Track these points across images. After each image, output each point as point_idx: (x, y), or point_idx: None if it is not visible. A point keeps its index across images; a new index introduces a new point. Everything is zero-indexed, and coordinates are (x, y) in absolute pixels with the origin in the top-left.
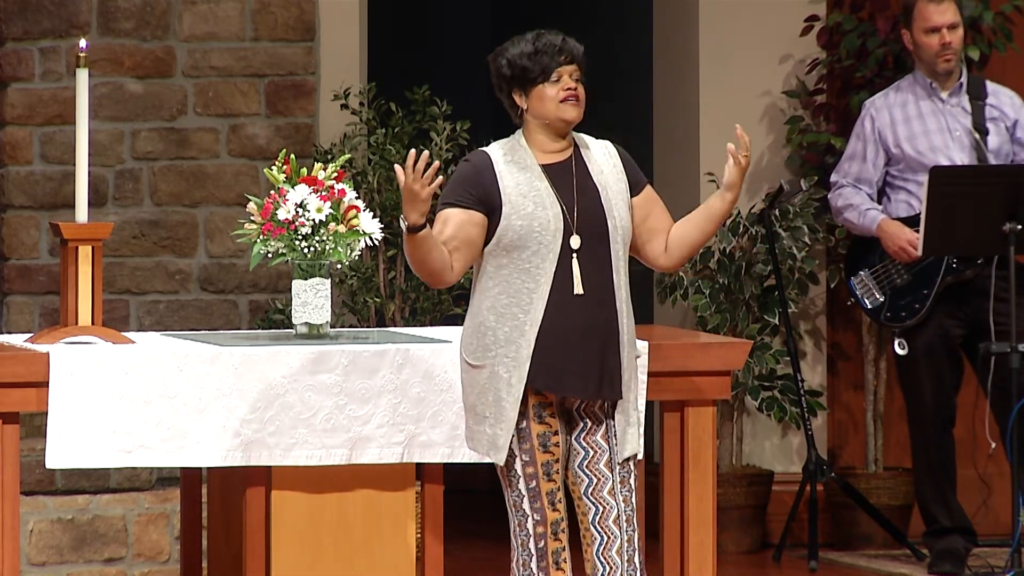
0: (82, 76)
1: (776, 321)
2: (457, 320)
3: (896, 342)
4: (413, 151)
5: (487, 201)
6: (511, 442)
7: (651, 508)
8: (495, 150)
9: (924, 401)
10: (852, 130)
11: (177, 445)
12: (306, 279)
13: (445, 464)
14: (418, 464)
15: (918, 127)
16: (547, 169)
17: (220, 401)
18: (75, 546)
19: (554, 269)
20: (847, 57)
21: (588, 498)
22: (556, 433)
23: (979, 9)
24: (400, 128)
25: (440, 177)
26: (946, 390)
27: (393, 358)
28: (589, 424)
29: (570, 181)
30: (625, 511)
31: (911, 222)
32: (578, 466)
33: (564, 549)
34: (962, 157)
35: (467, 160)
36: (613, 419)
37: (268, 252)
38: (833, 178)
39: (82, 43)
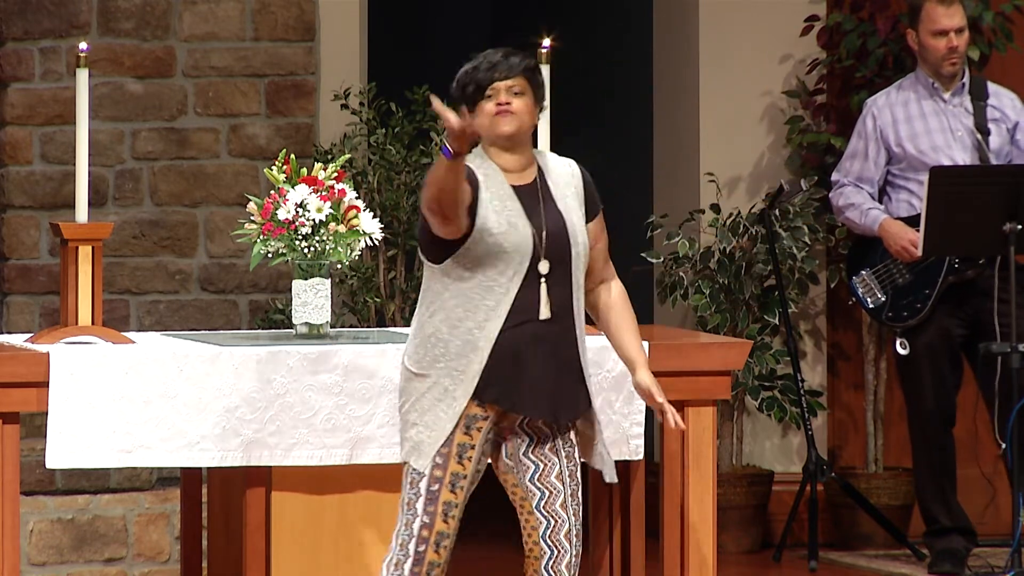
0: (82, 76)
1: (776, 321)
2: None
3: (898, 342)
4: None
5: (473, 191)
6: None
7: (651, 508)
8: (471, 163)
9: (925, 401)
10: (853, 129)
11: (177, 445)
12: (306, 279)
13: None
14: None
15: (920, 126)
16: (516, 190)
17: (220, 401)
18: (75, 546)
19: (517, 290)
20: (847, 57)
21: (540, 512)
22: (474, 447)
23: (979, 9)
24: (400, 128)
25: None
26: (947, 390)
27: (393, 358)
28: (535, 438)
29: (538, 205)
30: (576, 525)
31: (912, 221)
32: (529, 480)
33: (440, 565)
34: (964, 157)
35: None
36: (558, 433)
37: (268, 252)
38: (834, 177)
39: (82, 44)
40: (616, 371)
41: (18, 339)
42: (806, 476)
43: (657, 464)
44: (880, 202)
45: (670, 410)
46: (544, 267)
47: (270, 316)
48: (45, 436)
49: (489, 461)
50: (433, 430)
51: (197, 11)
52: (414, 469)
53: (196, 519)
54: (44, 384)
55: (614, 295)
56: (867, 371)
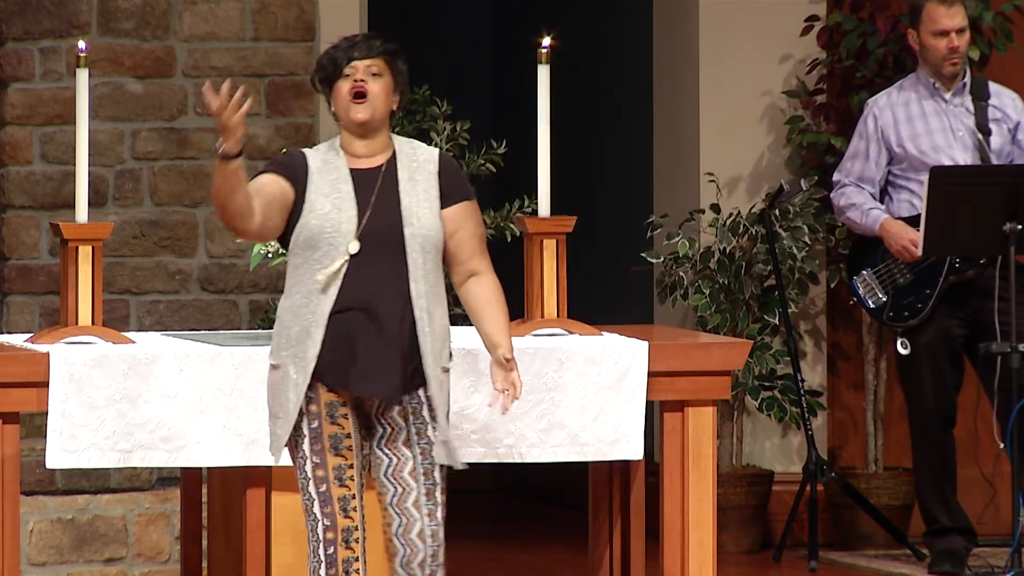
0: (82, 76)
1: (776, 321)
2: (456, 320)
3: (899, 342)
4: (224, 84)
5: (297, 185)
6: (303, 443)
7: (651, 508)
8: (312, 151)
9: (925, 401)
10: (854, 129)
11: (177, 445)
12: None
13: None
14: None
15: (921, 126)
16: (355, 174)
17: (220, 401)
18: (75, 546)
19: (343, 272)
20: (847, 57)
21: (393, 509)
22: (349, 436)
23: (979, 9)
24: (400, 128)
25: (249, 99)
26: (947, 390)
27: None
28: (389, 430)
29: (372, 187)
30: (429, 525)
31: (913, 221)
32: (383, 475)
33: (357, 559)
34: (965, 157)
35: (285, 152)
36: (413, 425)
37: (268, 252)
38: (835, 177)
39: (82, 44)
40: (615, 371)
41: (18, 339)
42: (806, 476)
43: (657, 464)
44: (881, 202)
45: (509, 396)
46: (354, 247)
47: (270, 316)
48: (45, 436)
49: (379, 449)
50: (288, 421)
51: (197, 11)
52: (299, 473)
53: (196, 519)
54: (44, 384)
55: (484, 288)
56: (867, 371)
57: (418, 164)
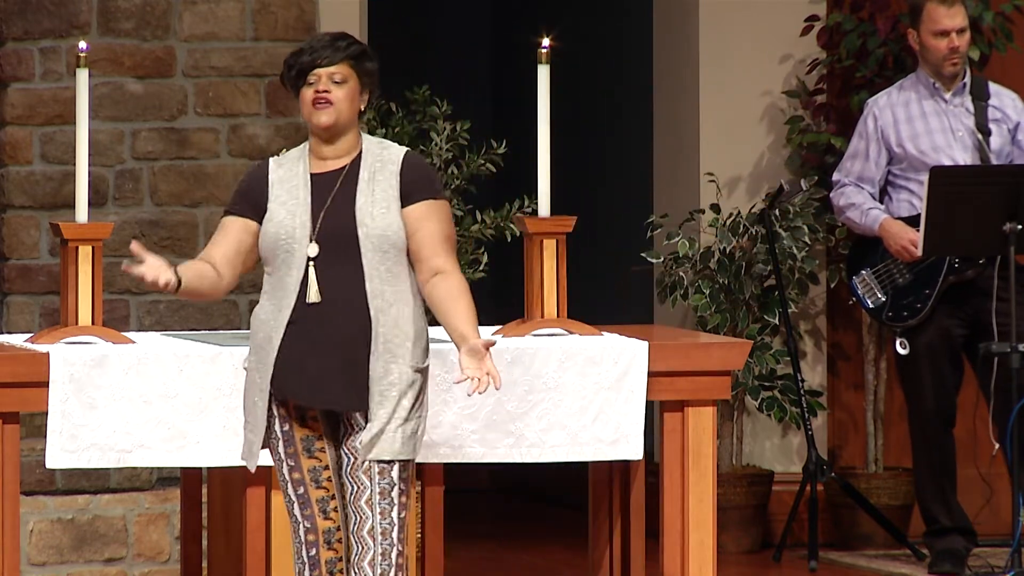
0: (82, 76)
1: (776, 321)
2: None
3: (898, 342)
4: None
5: (259, 209)
6: (278, 446)
7: (651, 508)
8: (277, 160)
9: (925, 401)
10: (854, 129)
11: (177, 445)
12: None
13: (445, 464)
14: (418, 464)
15: (920, 126)
16: (315, 178)
17: (220, 401)
18: (75, 546)
19: (301, 277)
20: (847, 57)
21: (351, 506)
22: (321, 438)
23: (979, 9)
24: (400, 128)
25: (170, 278)
26: (947, 390)
27: None
28: (350, 430)
29: (330, 190)
30: (381, 524)
31: (913, 221)
32: (344, 472)
33: (340, 559)
34: (964, 157)
35: (249, 169)
36: (364, 427)
37: None
38: (835, 177)
39: (82, 44)
40: (615, 371)
41: (18, 339)
42: (806, 476)
43: (657, 464)
44: (881, 202)
45: (481, 383)
46: (313, 250)
47: None
48: (45, 436)
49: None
50: (257, 427)
51: (197, 11)
52: (279, 475)
53: (196, 519)
54: (44, 384)
55: (450, 284)
56: (867, 371)
57: (382, 164)
